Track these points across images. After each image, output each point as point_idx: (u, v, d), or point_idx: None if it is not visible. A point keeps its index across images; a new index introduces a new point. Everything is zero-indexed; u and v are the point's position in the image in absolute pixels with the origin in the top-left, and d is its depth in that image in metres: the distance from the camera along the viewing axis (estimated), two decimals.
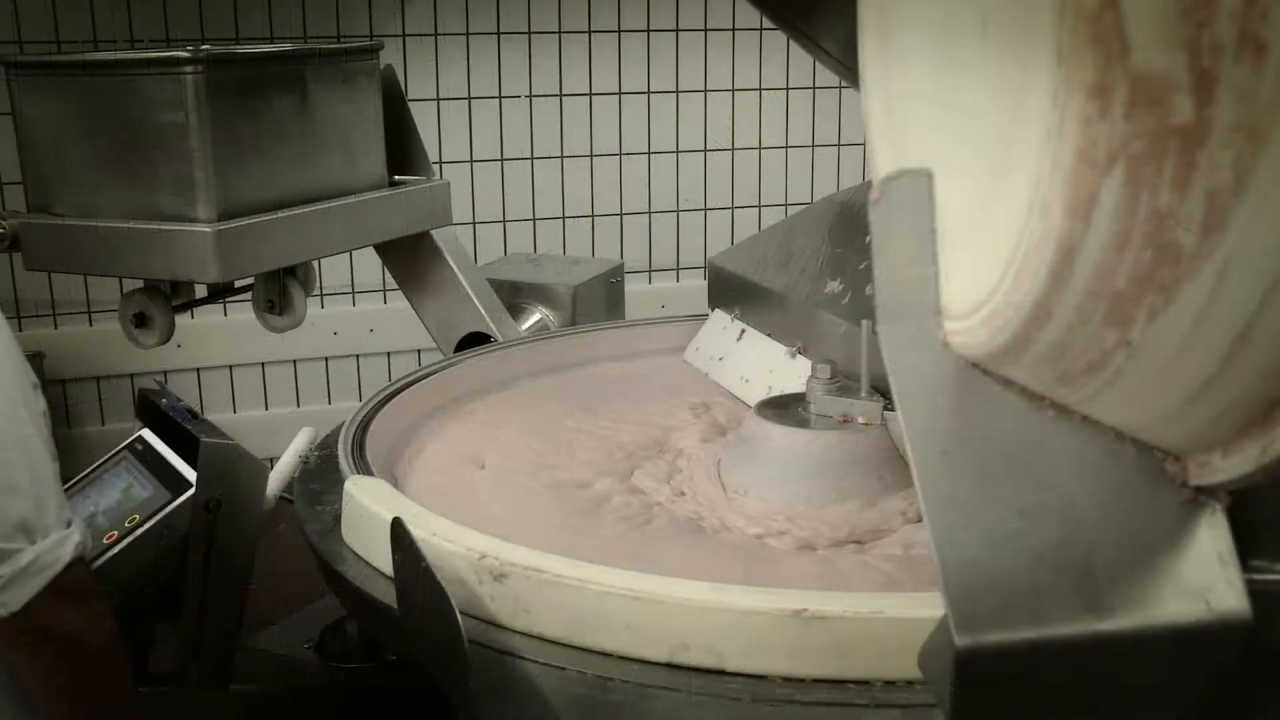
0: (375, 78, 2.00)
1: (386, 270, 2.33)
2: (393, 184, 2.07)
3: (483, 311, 2.24)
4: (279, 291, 2.01)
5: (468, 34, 3.15)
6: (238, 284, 1.99)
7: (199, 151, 1.67)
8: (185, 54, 1.66)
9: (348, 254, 2.92)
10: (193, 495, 1.52)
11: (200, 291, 1.97)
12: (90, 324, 3.01)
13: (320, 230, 1.92)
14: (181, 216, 1.70)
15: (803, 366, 1.71)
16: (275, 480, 1.64)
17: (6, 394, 1.04)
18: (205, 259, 1.71)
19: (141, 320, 1.85)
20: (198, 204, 1.69)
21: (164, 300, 1.87)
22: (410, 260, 2.26)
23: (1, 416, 1.01)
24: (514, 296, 2.41)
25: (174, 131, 1.67)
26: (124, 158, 1.72)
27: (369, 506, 1.33)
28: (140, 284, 1.87)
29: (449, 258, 2.23)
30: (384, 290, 3.19)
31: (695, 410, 1.87)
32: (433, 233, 2.21)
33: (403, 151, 2.11)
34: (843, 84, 3.35)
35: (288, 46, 1.96)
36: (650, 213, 3.39)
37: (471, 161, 3.27)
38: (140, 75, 1.67)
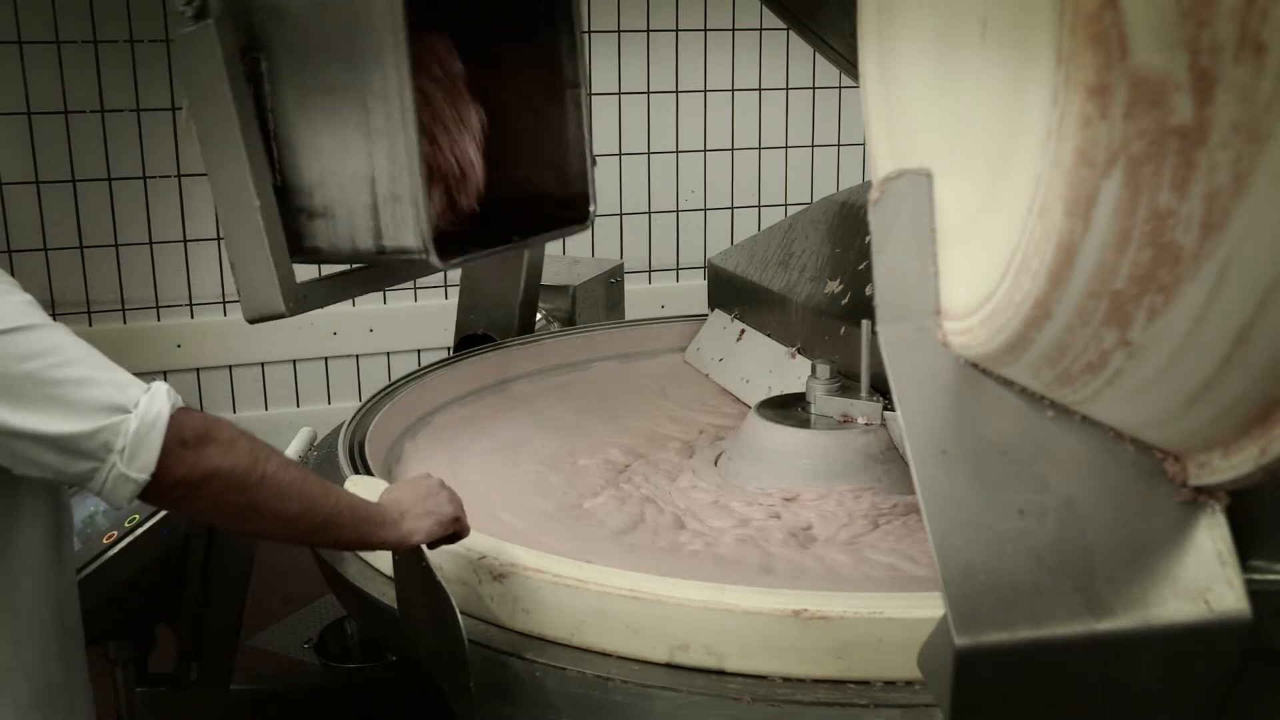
0: None
1: None
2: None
3: (517, 298, 2.18)
4: None
5: None
6: None
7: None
8: None
9: None
10: None
11: None
12: (90, 324, 3.00)
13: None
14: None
15: (803, 366, 1.71)
16: None
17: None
18: (276, 299, 1.48)
19: None
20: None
21: None
22: None
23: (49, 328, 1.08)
24: None
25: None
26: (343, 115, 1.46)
27: None
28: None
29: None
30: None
31: (695, 411, 1.87)
32: None
33: None
34: (843, 84, 3.36)
35: None
36: (650, 213, 3.39)
37: None
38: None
